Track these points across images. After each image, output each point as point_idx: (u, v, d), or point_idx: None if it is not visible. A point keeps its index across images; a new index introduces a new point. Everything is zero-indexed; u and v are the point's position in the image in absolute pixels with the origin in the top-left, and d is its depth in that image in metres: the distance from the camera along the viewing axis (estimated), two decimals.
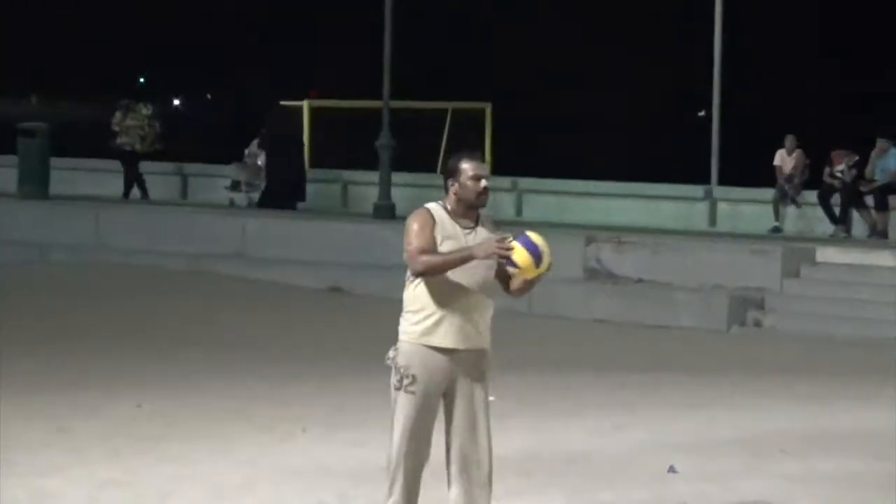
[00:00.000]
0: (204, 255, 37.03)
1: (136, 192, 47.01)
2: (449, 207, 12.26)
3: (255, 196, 46.06)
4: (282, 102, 54.72)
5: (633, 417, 19.87)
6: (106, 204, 45.18)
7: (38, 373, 22.80)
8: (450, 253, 11.92)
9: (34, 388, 21.18)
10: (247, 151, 47.03)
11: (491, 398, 13.40)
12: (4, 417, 18.35)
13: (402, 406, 11.94)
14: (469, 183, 12.11)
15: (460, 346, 11.96)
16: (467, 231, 12.16)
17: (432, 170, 50.58)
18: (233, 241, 38.47)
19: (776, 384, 22.91)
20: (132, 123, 46.96)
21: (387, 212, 39.10)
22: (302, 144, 48.04)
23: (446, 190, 12.44)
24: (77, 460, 16.27)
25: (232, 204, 46.24)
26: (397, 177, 43.84)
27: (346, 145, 52.25)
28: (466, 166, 12.27)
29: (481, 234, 12.12)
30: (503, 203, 44.26)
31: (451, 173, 12.45)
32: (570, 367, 22.39)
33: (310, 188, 48.93)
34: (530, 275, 11.89)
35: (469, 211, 12.21)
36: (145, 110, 48.25)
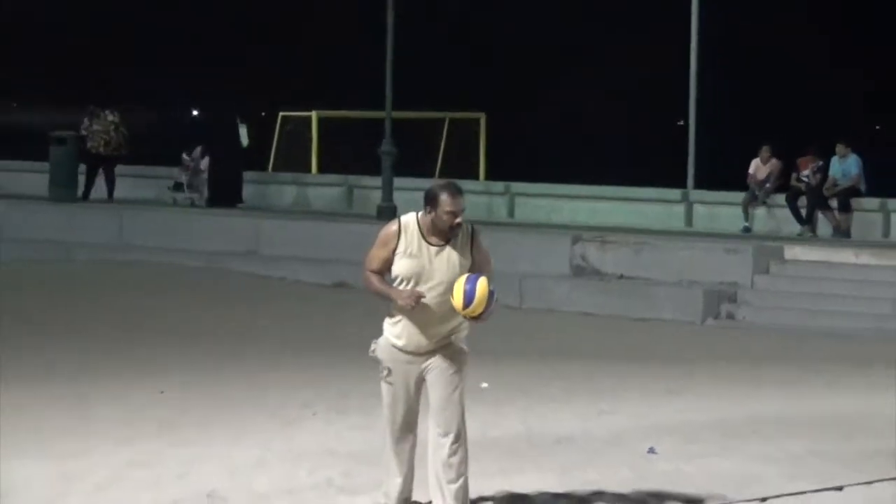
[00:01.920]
0: (219, 254, 37.11)
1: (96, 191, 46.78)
2: (423, 226, 12.74)
3: (195, 196, 46.59)
4: (288, 113, 54.63)
5: (617, 403, 19.91)
6: (129, 206, 45.21)
7: (63, 361, 22.83)
8: (385, 284, 12.96)
9: (58, 377, 21.33)
10: (188, 157, 47.24)
11: (485, 385, 13.44)
12: (31, 404, 18.72)
13: (385, 395, 13.03)
14: (444, 216, 12.61)
15: (419, 351, 12.79)
16: (437, 248, 12.75)
17: (431, 175, 50.73)
18: (246, 240, 38.52)
19: (749, 372, 23.10)
20: (97, 128, 47.05)
21: (389, 213, 38.38)
22: (241, 153, 48.13)
23: (425, 208, 12.84)
24: (100, 443, 16.31)
25: (175, 203, 46.74)
26: (399, 181, 43.93)
27: (351, 152, 52.15)
28: (444, 200, 12.73)
29: (447, 254, 12.75)
30: (497, 206, 44.29)
31: (430, 200, 12.85)
32: (558, 356, 22.51)
33: (315, 191, 49.31)
34: (460, 312, 12.45)
35: (441, 233, 12.66)
36: (111, 116, 48.20)
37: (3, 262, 35.19)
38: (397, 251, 12.76)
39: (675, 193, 44.35)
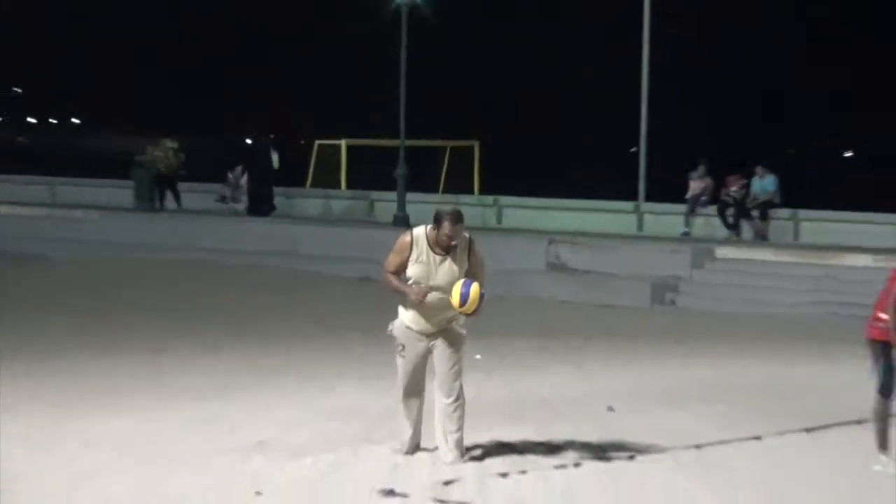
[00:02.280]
0: (265, 253, 37.13)
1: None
2: (430, 239, 13.41)
3: (236, 206, 46.95)
4: (322, 142, 54.60)
5: (584, 371, 20.20)
6: (197, 216, 45.34)
7: (139, 336, 22.57)
8: (401, 283, 13.46)
9: (136, 348, 21.23)
10: (231, 175, 47.59)
11: (478, 356, 13.51)
12: (108, 376, 18.70)
13: (399, 366, 13.73)
14: (444, 237, 13.32)
15: (426, 332, 13.50)
16: (441, 258, 13.38)
17: (435, 190, 50.73)
18: (288, 242, 38.57)
19: (688, 346, 23.34)
20: (158, 154, 47.08)
21: (403, 221, 38.84)
22: (273, 173, 48.11)
23: (434, 224, 13.47)
24: (170, 404, 16.51)
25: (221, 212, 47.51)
26: (410, 195, 44.09)
27: (372, 172, 52.27)
28: (446, 226, 13.35)
29: (448, 262, 13.37)
30: (488, 215, 44.34)
31: (437, 221, 13.50)
32: (537, 335, 22.72)
33: (344, 203, 49.87)
34: (457, 309, 13.18)
35: (442, 247, 13.34)
36: (170, 143, 48.49)
37: (103, 259, 35.14)
38: (410, 258, 13.17)
39: (628, 205, 44.48)
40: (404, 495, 11.57)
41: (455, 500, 11.51)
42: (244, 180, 47.09)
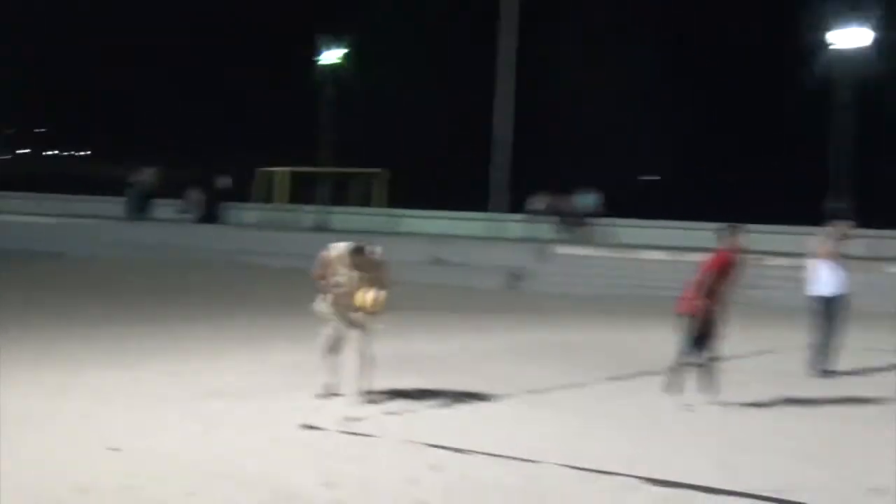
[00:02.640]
0: (214, 250, 37.24)
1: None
2: (346, 255, 13.36)
3: (190, 217, 47.56)
4: (263, 169, 54.41)
5: (458, 335, 20.18)
6: (169, 223, 45.35)
7: (123, 311, 22.17)
8: (324, 283, 13.52)
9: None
10: (188, 194, 48.74)
11: (381, 326, 13.71)
12: (101, 340, 18.26)
13: (322, 333, 13.58)
14: (349, 261, 13.35)
15: (342, 316, 13.32)
16: (352, 270, 13.28)
17: (354, 203, 50.92)
18: (233, 242, 39.01)
19: (533, 318, 23.23)
20: (141, 178, 48.91)
21: (326, 227, 38.90)
22: (219, 193, 49.09)
23: (350, 247, 13.63)
24: (147, 360, 16.20)
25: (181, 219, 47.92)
26: (333, 208, 44.51)
27: (308, 191, 52.20)
28: (355, 255, 13.51)
29: (358, 274, 13.27)
30: (388, 222, 44.39)
31: (353, 249, 13.57)
32: (424, 310, 22.51)
33: (276, 214, 50.09)
34: (361, 310, 13.20)
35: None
36: (152, 170, 49.88)
37: (104, 255, 34.78)
38: (330, 269, 13.28)
39: (489, 215, 44.84)
40: (321, 428, 11.74)
41: (359, 433, 11.63)
42: (196, 197, 47.74)
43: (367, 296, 13.03)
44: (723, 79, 73.76)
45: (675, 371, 13.59)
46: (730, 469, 10.37)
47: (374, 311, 13.12)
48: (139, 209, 46.80)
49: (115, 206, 49.32)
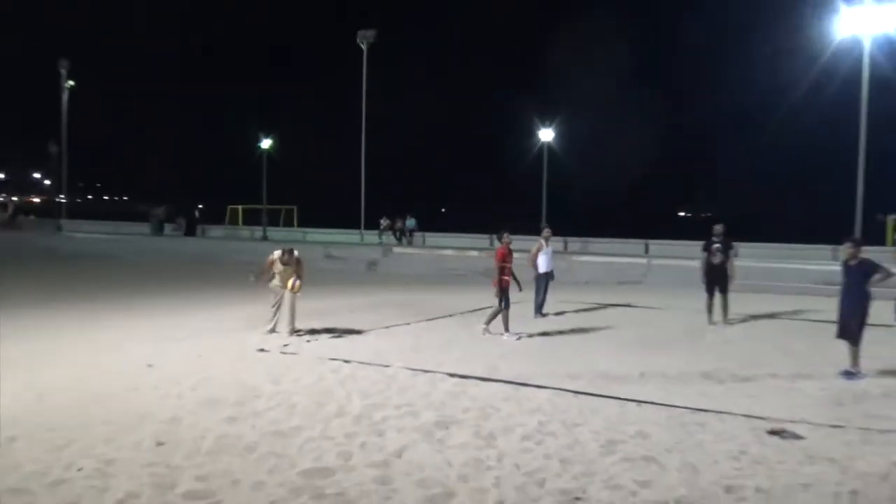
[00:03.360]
0: (197, 252, 35.68)
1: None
2: (281, 257, 13.26)
3: (178, 232, 46.30)
4: (232, 206, 54.11)
5: (341, 296, 19.48)
6: (173, 236, 44.12)
7: (152, 287, 20.97)
8: (267, 275, 13.35)
9: (152, 294, 19.67)
10: (178, 219, 48.14)
11: (299, 294, 13.68)
12: (130, 307, 17.59)
13: (273, 298, 13.44)
14: (282, 260, 13.26)
15: (282, 286, 13.25)
16: (285, 267, 13.22)
17: (281, 225, 50.36)
18: (209, 248, 37.14)
19: (382, 287, 22.42)
20: (159, 210, 48.18)
21: (265, 239, 38.32)
22: (194, 220, 48.28)
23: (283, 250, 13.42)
24: (155, 314, 15.84)
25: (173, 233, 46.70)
26: (271, 228, 42.94)
27: (254, 218, 51.43)
28: (284, 256, 13.33)
29: (287, 269, 13.21)
30: (302, 236, 44.12)
31: (285, 251, 13.35)
32: (322, 285, 21.52)
33: (242, 231, 48.68)
34: (289, 290, 13.15)
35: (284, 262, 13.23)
36: (163, 207, 49.35)
37: (141, 256, 33.89)
38: (275, 267, 13.20)
39: (358, 230, 44.89)
40: (267, 351, 11.78)
41: (289, 353, 11.66)
42: (181, 222, 47.19)
43: (292, 282, 13.32)
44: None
45: (495, 315, 13.59)
46: (494, 368, 10.82)
47: (294, 291, 13.39)
48: (156, 230, 46.48)
49: (143, 228, 48.86)
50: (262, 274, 13.66)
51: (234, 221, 53.43)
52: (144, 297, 19.02)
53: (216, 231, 49.51)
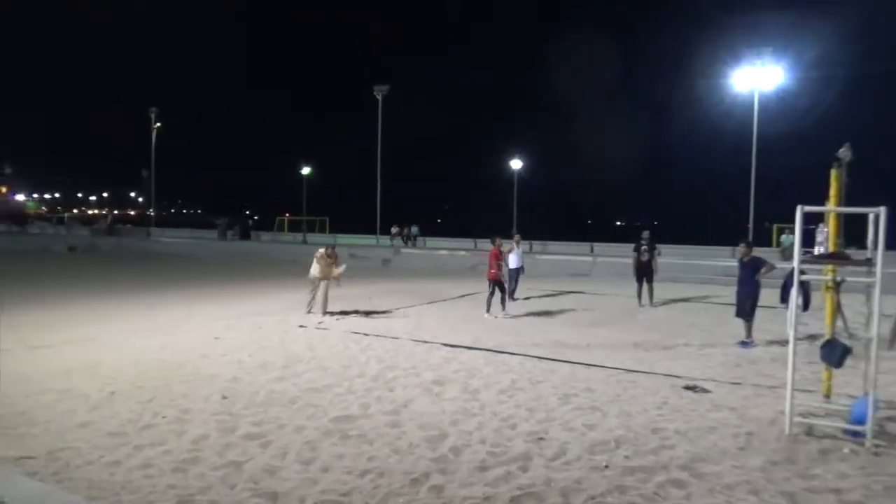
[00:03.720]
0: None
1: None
2: (324, 253, 12.88)
3: (235, 238, 44.32)
4: (280, 217, 53.58)
5: (363, 285, 18.20)
6: (232, 240, 43.62)
7: (216, 278, 20.24)
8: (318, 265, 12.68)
9: (217, 283, 19.06)
10: (235, 227, 46.13)
11: (338, 284, 13.22)
12: (188, 293, 17.07)
13: (309, 283, 12.85)
14: (326, 254, 12.85)
15: (321, 276, 12.80)
16: (327, 259, 12.83)
17: (315, 233, 49.62)
18: (257, 250, 36.37)
19: (395, 279, 21.36)
20: (223, 220, 46.76)
21: (306, 242, 37.59)
22: (247, 228, 46.88)
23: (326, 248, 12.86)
24: (209, 300, 15.33)
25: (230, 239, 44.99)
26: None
27: (297, 227, 50.65)
28: (327, 251, 12.87)
29: (330, 262, 12.85)
30: (334, 240, 43.46)
31: (327, 249, 12.89)
32: (348, 276, 21.50)
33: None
34: (333, 276, 12.72)
35: (328, 256, 12.86)
36: (220, 220, 47.59)
37: (211, 256, 33.50)
38: (319, 261, 12.84)
39: (375, 236, 43.92)
40: (306, 327, 11.49)
41: (323, 328, 11.36)
42: (237, 229, 45.80)
43: (336, 270, 13.15)
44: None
45: (489, 302, 13.31)
46: (477, 339, 10.75)
47: (338, 278, 13.21)
48: (222, 235, 45.79)
49: (212, 234, 47.67)
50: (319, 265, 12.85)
51: (280, 229, 53.03)
52: (212, 286, 18.45)
53: (266, 236, 49.14)
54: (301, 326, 11.92)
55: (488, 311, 13.19)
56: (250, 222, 49.38)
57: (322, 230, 52.99)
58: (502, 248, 13.41)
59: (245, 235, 45.99)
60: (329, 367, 8.55)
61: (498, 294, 13.38)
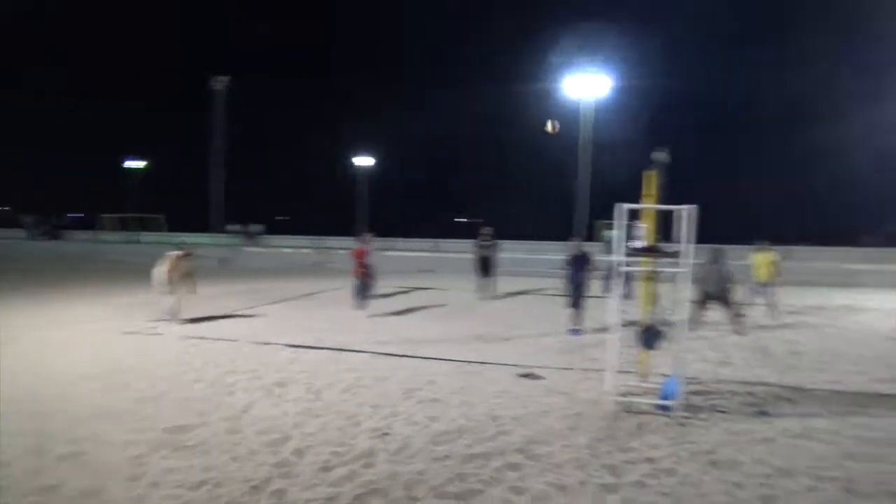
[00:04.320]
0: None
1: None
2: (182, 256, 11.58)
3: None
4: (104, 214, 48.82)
5: (208, 287, 17.53)
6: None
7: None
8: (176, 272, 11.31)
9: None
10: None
11: (192, 290, 12.30)
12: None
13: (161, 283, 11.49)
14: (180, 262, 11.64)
15: (165, 283, 11.32)
16: (181, 265, 11.57)
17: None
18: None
19: (236, 279, 20.52)
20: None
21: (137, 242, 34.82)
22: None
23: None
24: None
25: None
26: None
27: (127, 226, 46.43)
28: (180, 259, 11.66)
29: (181, 268, 11.63)
30: (166, 239, 40.80)
31: (185, 253, 11.78)
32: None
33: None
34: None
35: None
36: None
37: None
38: (170, 265, 11.57)
39: (213, 234, 42.14)
40: (136, 333, 10.66)
41: (154, 332, 10.71)
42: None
43: (190, 281, 12.06)
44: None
45: (355, 300, 13.17)
46: (320, 339, 10.53)
47: (193, 284, 12.11)
48: (31, 235, 41.37)
49: (21, 233, 43.24)
50: (171, 272, 11.55)
51: (109, 228, 48.51)
52: (24, 291, 16.83)
53: (84, 235, 44.85)
54: (129, 333, 11.04)
55: (359, 305, 13.07)
56: (63, 220, 44.49)
57: (158, 229, 49.37)
58: (364, 247, 13.29)
59: (54, 235, 41.59)
60: (162, 374, 8.10)
61: (364, 289, 13.27)
